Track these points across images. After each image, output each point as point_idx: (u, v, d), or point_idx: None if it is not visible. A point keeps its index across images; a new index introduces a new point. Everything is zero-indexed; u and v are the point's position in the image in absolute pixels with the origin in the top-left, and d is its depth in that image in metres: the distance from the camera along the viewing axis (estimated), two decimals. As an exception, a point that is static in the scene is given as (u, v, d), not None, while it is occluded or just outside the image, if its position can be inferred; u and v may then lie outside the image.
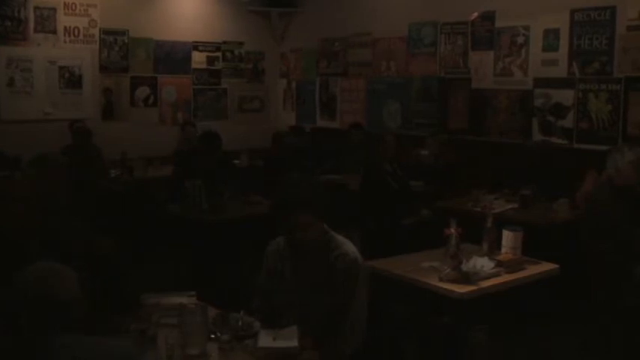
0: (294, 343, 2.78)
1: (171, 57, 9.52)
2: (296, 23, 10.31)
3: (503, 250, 4.19)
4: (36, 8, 8.30)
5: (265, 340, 2.81)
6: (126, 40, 9.06)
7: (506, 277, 3.95)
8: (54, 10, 8.43)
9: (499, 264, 4.00)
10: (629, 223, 4.43)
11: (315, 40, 9.87)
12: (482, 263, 3.95)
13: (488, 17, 7.58)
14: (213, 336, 2.83)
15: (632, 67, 6.34)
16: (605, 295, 4.51)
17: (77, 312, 2.18)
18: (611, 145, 5.53)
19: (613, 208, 4.50)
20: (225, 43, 10.06)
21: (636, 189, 4.55)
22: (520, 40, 7.28)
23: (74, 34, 8.62)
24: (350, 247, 3.08)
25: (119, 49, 9.03)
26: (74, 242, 4.13)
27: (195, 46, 9.75)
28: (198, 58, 9.81)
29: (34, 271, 2.19)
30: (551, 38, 6.98)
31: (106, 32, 8.87)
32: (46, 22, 8.39)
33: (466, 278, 3.78)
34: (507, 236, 4.19)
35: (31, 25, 8.29)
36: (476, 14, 7.69)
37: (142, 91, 9.31)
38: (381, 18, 8.83)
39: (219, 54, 10.01)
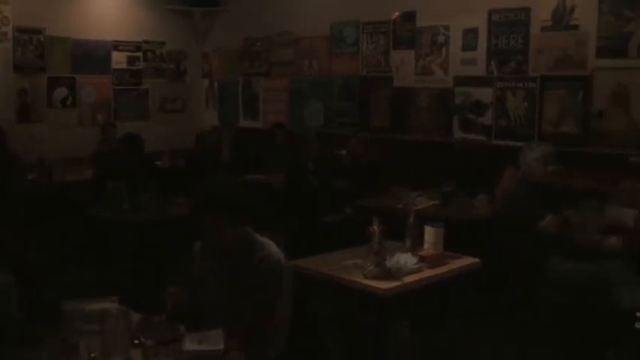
0: (219, 346, 2.76)
1: (91, 57, 9.29)
2: (219, 23, 10.23)
3: (426, 245, 4.26)
4: (-57, 5, 7.98)
5: (190, 343, 2.78)
6: (42, 39, 8.78)
7: (428, 272, 4.02)
8: (-38, 6, 8.13)
9: (422, 259, 4.07)
10: (542, 219, 4.59)
11: (238, 40, 9.82)
12: (405, 259, 4.01)
13: (410, 17, 7.69)
14: (136, 341, 2.78)
15: (546, 67, 6.54)
16: (522, 290, 4.65)
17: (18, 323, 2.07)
18: (527, 142, 5.69)
19: (528, 205, 4.65)
20: (146, 42, 9.90)
21: (548, 185, 4.72)
22: (440, 39, 7.41)
23: (-15, 32, 8.32)
24: (273, 249, 3.08)
25: (34, 48, 8.74)
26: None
27: (115, 45, 9.55)
28: (119, 58, 9.61)
29: None
30: (470, 38, 7.14)
31: (19, 30, 8.57)
32: (-46, 18, 8.08)
33: (390, 274, 3.83)
34: (429, 232, 4.26)
35: (-62, 22, 7.98)
36: (397, 14, 7.80)
37: (60, 92, 9.04)
38: (304, 17, 8.85)
39: (139, 54, 9.84)
